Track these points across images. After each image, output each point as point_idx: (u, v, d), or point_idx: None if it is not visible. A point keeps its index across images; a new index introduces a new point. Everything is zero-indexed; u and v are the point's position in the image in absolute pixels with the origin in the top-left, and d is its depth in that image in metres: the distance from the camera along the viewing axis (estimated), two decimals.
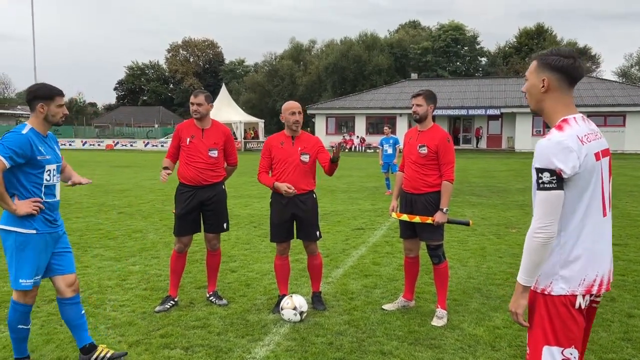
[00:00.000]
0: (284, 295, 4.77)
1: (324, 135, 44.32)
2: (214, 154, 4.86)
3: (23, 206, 3.41)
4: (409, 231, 4.76)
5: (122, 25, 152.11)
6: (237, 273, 6.02)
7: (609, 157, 2.39)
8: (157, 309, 4.71)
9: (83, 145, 46.32)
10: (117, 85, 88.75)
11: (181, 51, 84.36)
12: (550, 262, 2.26)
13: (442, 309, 4.60)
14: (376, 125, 43.24)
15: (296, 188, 4.62)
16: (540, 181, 2.19)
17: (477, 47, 67.75)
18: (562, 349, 2.25)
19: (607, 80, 46.39)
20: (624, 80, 60.37)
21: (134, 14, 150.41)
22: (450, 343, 4.10)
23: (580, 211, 2.24)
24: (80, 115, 76.79)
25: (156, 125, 58.83)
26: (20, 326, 3.55)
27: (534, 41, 65.06)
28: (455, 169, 4.61)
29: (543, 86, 2.31)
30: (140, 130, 53.67)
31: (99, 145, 46.15)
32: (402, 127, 41.89)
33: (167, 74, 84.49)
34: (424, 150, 4.56)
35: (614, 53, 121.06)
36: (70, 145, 46.60)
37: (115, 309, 4.81)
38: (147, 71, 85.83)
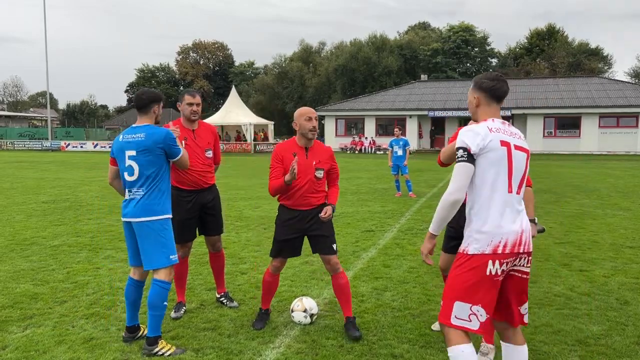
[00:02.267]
0: (266, 310, 4.58)
1: (334, 137, 44.35)
2: (210, 154, 4.79)
3: None
4: (453, 242, 4.16)
5: (132, 29, 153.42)
6: (247, 275, 6.02)
7: (526, 153, 2.95)
8: (173, 315, 4.68)
9: (94, 147, 46.69)
10: (128, 88, 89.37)
11: (191, 53, 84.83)
12: (469, 228, 2.86)
13: (489, 343, 3.89)
14: (386, 127, 43.19)
15: (308, 204, 4.30)
16: (457, 156, 2.81)
17: (488, 48, 67.41)
18: (471, 305, 2.78)
19: (619, 81, 45.99)
20: (636, 81, 59.78)
21: (144, 17, 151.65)
22: None
23: (488, 185, 2.80)
24: (92, 118, 77.44)
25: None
26: (165, 303, 3.88)
27: (545, 42, 64.64)
28: None
29: (475, 102, 3.02)
30: None
31: (110, 147, 46.38)
32: (412, 128, 41.83)
33: (177, 76, 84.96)
34: None
35: (627, 53, 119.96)
36: (81, 147, 47.00)
37: (126, 310, 4.81)
38: (157, 73, 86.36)
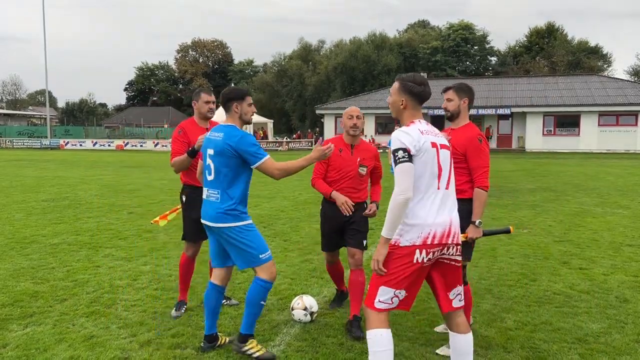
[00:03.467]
0: (342, 291, 4.99)
1: (333, 135, 44.33)
2: None
3: (316, 153, 3.82)
4: None
5: (131, 27, 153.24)
6: (246, 273, 6.02)
7: (449, 150, 3.17)
8: (174, 314, 4.64)
9: (93, 145, 46.65)
10: (127, 86, 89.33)
11: (190, 52, 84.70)
12: (403, 221, 2.98)
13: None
14: (385, 125, 43.18)
15: (350, 198, 4.44)
16: (397, 158, 2.94)
17: (487, 46, 67.40)
18: (395, 290, 2.98)
19: (619, 79, 45.96)
20: (636, 79, 59.76)
21: (143, 16, 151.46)
22: None
23: (421, 183, 2.98)
24: (91, 116, 77.37)
25: (166, 126, 59.18)
26: (263, 302, 3.80)
27: (544, 40, 64.61)
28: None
29: (402, 104, 3.15)
30: (149, 131, 53.97)
31: (109, 145, 46.45)
32: None
33: (176, 74, 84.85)
34: None
35: (627, 52, 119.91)
36: (81, 145, 46.96)
37: (126, 308, 4.82)
38: (156, 72, 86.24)
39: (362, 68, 59.09)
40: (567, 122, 39.59)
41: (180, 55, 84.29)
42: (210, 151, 3.80)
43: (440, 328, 4.37)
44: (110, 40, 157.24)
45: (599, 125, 38.64)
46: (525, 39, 66.81)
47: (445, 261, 3.10)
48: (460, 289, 3.18)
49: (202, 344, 3.97)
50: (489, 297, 5.18)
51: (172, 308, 4.80)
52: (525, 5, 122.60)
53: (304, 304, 4.49)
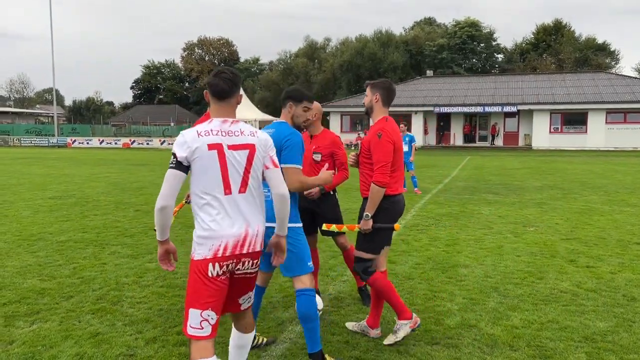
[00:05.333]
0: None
1: (339, 133, 44.31)
2: None
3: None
4: None
5: (138, 25, 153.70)
6: None
7: (247, 150, 2.86)
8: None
9: (100, 143, 46.86)
10: (134, 84, 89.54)
11: (196, 50, 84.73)
12: (194, 234, 2.82)
13: (369, 325, 4.19)
14: None
15: None
16: (170, 162, 2.79)
17: (494, 43, 67.05)
18: (201, 310, 2.76)
19: (627, 76, 45.66)
20: None
21: (149, 14, 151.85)
22: (467, 342, 4.05)
23: (201, 190, 2.79)
24: (98, 114, 77.69)
25: (172, 124, 59.26)
26: (317, 312, 3.57)
27: (551, 37, 64.24)
28: (391, 167, 3.94)
29: (206, 98, 2.98)
30: (156, 129, 54.10)
31: (115, 143, 46.65)
32: (417, 124, 41.72)
33: (182, 72, 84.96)
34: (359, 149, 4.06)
35: (635, 49, 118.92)
36: (87, 143, 47.19)
37: (132, 305, 4.84)
38: (163, 70, 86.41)
39: (368, 66, 58.97)
40: (575, 120, 39.38)
41: (186, 53, 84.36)
42: None
43: (351, 325, 4.31)
44: (117, 39, 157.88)
45: (606, 122, 38.41)
46: (532, 36, 66.42)
47: (242, 277, 2.92)
48: (250, 293, 3.07)
49: None
50: (495, 295, 5.16)
51: (177, 305, 4.80)
52: (532, 2, 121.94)
53: None
